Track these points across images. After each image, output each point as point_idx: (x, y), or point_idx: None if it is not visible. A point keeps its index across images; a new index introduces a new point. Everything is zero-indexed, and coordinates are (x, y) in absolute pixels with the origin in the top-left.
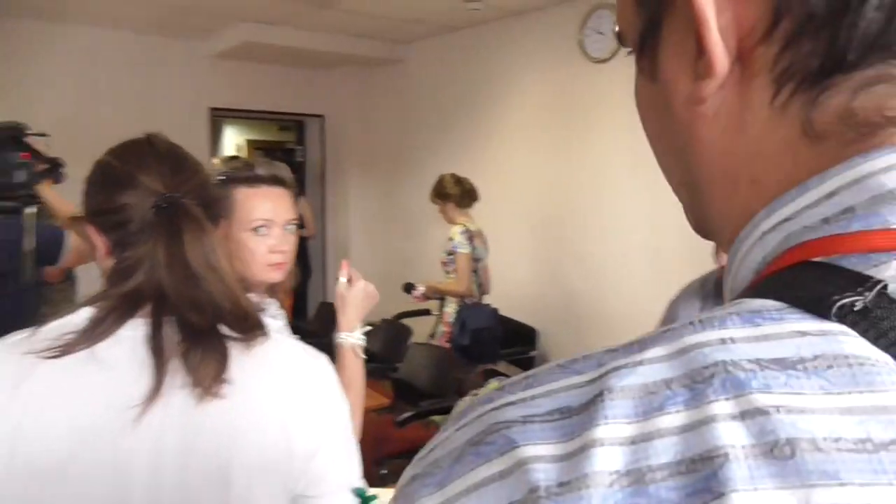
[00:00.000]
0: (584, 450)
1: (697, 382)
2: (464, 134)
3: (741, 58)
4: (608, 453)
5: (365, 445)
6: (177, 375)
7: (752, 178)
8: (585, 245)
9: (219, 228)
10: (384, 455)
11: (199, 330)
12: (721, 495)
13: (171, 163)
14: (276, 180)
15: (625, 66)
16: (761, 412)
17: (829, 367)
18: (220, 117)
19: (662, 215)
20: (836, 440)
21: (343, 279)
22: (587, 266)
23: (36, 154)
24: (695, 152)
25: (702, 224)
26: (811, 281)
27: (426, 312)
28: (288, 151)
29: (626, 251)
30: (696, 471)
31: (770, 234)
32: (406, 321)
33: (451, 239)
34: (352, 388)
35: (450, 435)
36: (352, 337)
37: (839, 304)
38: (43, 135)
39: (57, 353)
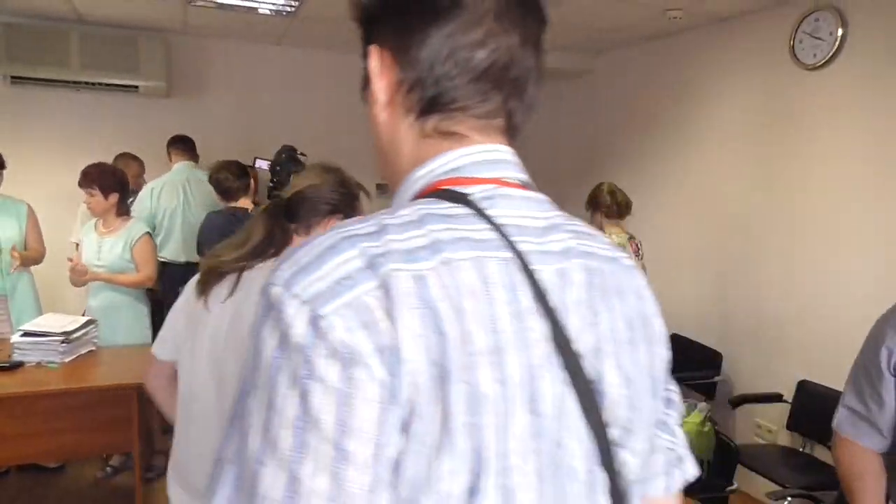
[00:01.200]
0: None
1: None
2: (653, 144)
3: (391, 99)
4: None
5: None
6: None
7: (406, 155)
8: (792, 263)
9: None
10: None
11: None
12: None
13: None
14: None
15: (843, 73)
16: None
17: (446, 216)
18: None
19: (878, 230)
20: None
21: None
22: (788, 286)
23: (301, 164)
24: (381, 141)
25: (388, 179)
26: (445, 194)
27: None
28: None
29: (843, 271)
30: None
31: (420, 180)
32: None
33: None
34: None
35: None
36: None
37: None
38: (303, 154)
39: None
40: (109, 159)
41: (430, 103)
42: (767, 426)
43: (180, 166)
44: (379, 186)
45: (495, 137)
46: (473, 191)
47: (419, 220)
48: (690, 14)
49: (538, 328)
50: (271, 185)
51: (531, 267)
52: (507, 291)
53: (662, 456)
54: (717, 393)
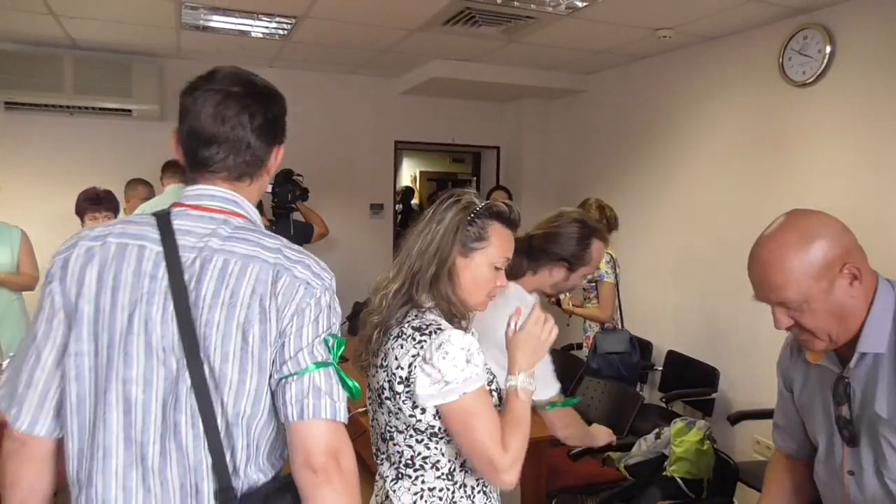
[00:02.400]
0: None
1: None
2: (645, 162)
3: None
4: None
5: (540, 476)
6: None
7: None
8: None
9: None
10: (557, 488)
11: None
12: None
13: None
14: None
15: (832, 90)
16: None
17: (132, 221)
18: (400, 149)
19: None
20: None
21: (513, 325)
22: None
23: (297, 184)
24: None
25: None
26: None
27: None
28: (459, 182)
29: None
30: None
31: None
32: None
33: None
34: (515, 430)
35: None
36: (517, 380)
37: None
38: (300, 175)
39: None
40: (103, 183)
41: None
42: (767, 442)
43: (172, 188)
44: (372, 206)
45: (213, 181)
46: (174, 210)
47: (121, 221)
48: (680, 34)
49: (155, 283)
50: (273, 205)
51: (178, 253)
52: (135, 261)
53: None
54: (714, 410)
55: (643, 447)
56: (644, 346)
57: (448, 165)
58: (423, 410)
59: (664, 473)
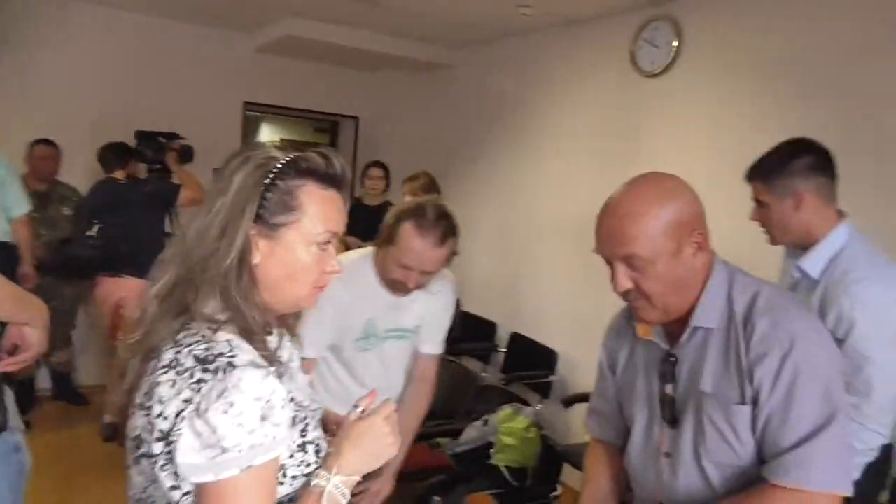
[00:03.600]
0: None
1: None
2: (507, 143)
3: None
4: None
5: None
6: None
7: None
8: None
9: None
10: None
11: None
12: None
13: None
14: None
15: (679, 80)
16: None
17: None
18: (253, 112)
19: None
20: None
21: (359, 409)
22: None
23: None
24: None
25: None
26: None
27: None
28: None
29: None
30: None
31: None
32: None
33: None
34: None
35: None
36: (328, 482)
37: None
38: (176, 135)
39: None
40: None
41: None
42: None
43: None
44: (215, 172)
45: None
46: None
47: None
48: (541, 13)
49: None
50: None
51: None
52: None
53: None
54: (552, 392)
55: (472, 434)
56: (488, 327)
57: (311, 135)
58: (187, 492)
59: (489, 462)
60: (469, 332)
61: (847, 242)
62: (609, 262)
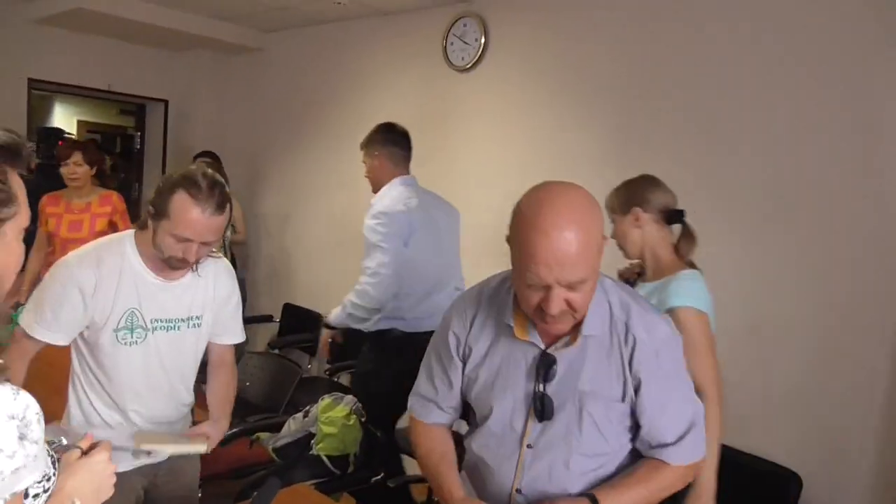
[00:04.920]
0: None
1: None
2: (326, 132)
3: None
4: None
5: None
6: None
7: None
8: None
9: None
10: (203, 476)
11: None
12: None
13: None
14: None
15: (486, 76)
16: None
17: None
18: (42, 91)
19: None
20: None
21: (78, 451)
22: None
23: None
24: None
25: None
26: None
27: (269, 319)
28: (127, 137)
29: (477, 261)
30: None
31: None
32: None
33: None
34: None
35: None
36: None
37: None
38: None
39: None
40: None
41: None
42: None
43: None
44: None
45: None
46: None
47: None
48: (356, 3)
49: None
50: None
51: None
52: None
53: None
54: None
55: (292, 427)
56: (313, 318)
57: (114, 117)
58: None
59: (311, 452)
60: (295, 324)
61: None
62: (543, 286)
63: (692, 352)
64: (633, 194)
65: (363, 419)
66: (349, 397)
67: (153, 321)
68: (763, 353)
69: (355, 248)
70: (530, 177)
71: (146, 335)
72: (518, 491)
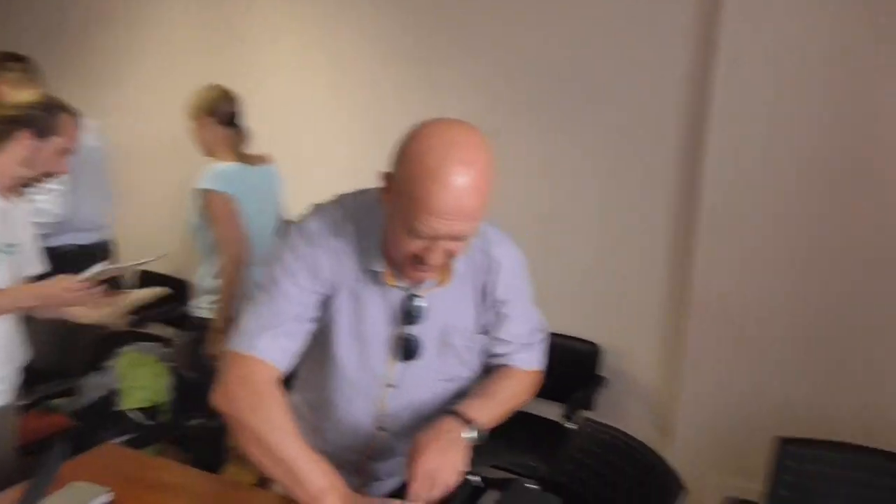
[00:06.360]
0: None
1: None
2: (104, 62)
3: None
4: None
5: None
6: None
7: None
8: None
9: None
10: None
11: None
12: None
13: None
14: None
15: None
16: None
17: None
18: None
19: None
20: None
21: None
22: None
23: None
24: None
25: None
26: None
27: None
28: None
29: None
30: None
31: None
32: None
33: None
34: None
35: None
36: None
37: None
38: None
39: None
40: None
41: None
42: None
43: None
44: None
45: None
46: None
47: None
48: None
49: None
50: None
51: None
52: None
53: None
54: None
55: (90, 386)
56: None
57: None
58: None
59: (118, 409)
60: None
61: None
62: (431, 237)
63: (216, 221)
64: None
65: (173, 364)
66: (151, 345)
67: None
68: (560, 240)
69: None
70: (340, 106)
71: None
72: (381, 429)
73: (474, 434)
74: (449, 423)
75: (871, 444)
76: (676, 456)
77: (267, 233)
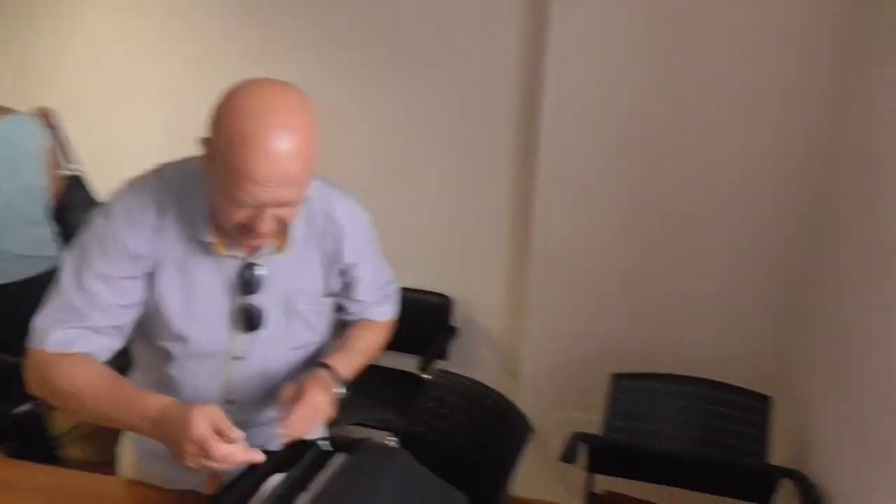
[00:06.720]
0: None
1: None
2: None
3: None
4: None
5: None
6: None
7: None
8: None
9: None
10: None
11: None
12: None
13: None
14: None
15: None
16: None
17: None
18: None
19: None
20: None
21: None
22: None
23: None
24: None
25: None
26: None
27: None
28: None
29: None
30: None
31: None
32: None
33: None
34: None
35: None
36: None
37: None
38: None
39: None
40: None
41: None
42: None
43: None
44: None
45: None
46: None
47: None
48: None
49: None
50: None
51: None
52: None
53: None
54: None
55: None
56: None
57: None
58: None
59: None
60: None
61: None
62: (255, 205)
63: None
64: None
65: None
66: None
67: None
68: (406, 198)
69: None
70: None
71: None
72: (229, 402)
73: (343, 390)
74: (323, 375)
75: (689, 374)
76: (525, 397)
77: (21, 197)
